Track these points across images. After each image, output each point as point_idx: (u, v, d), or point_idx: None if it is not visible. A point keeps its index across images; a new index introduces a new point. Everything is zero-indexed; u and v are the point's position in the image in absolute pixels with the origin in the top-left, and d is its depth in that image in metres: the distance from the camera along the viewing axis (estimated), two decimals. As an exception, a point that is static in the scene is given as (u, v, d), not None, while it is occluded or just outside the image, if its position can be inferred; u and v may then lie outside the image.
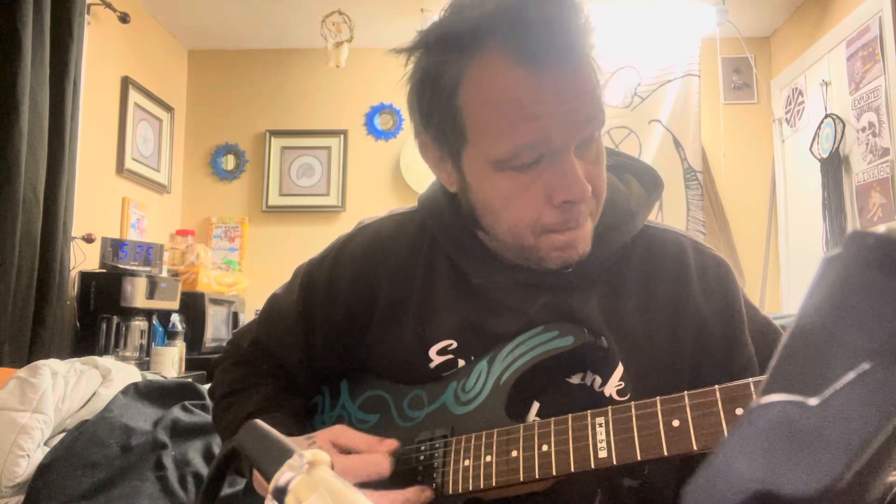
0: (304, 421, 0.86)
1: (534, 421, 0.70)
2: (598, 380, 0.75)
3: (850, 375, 0.23)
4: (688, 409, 0.61)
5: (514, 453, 0.68)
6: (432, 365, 0.79)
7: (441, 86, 0.70)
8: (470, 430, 0.73)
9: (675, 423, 0.61)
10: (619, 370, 0.74)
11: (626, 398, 0.73)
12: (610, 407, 0.66)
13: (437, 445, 0.74)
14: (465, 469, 0.71)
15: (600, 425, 0.65)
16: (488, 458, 0.69)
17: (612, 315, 0.76)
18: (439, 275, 0.81)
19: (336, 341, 0.86)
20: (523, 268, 0.77)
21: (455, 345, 0.79)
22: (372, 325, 0.83)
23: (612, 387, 0.74)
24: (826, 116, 3.07)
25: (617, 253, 0.78)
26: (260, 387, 0.87)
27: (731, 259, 3.50)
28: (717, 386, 0.61)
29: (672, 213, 3.28)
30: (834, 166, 3.00)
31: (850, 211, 2.92)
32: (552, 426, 0.67)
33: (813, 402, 0.23)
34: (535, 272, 0.77)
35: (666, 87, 3.35)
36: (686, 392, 0.62)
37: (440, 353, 0.79)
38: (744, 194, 3.62)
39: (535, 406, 0.75)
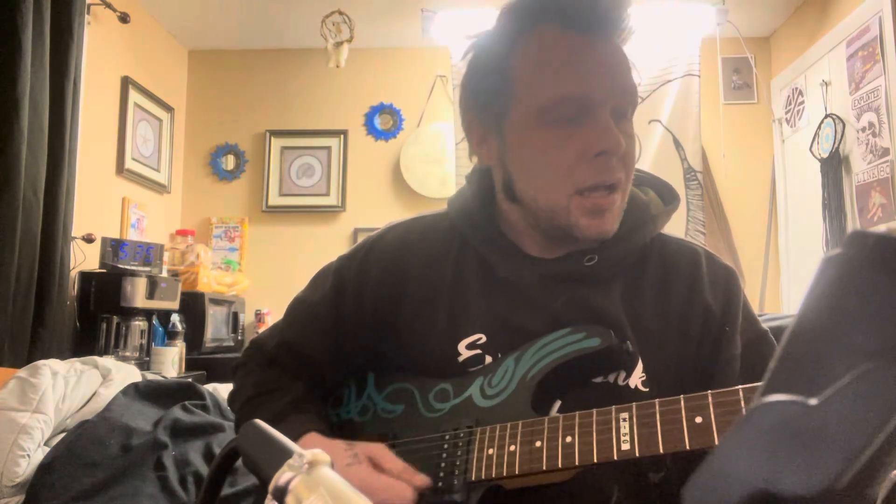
0: (329, 423, 0.89)
1: (558, 415, 0.73)
2: (623, 373, 0.78)
3: (851, 375, 0.23)
4: (711, 407, 0.64)
5: (538, 443, 0.70)
6: (461, 359, 0.82)
7: (495, 52, 0.80)
8: (494, 423, 0.75)
9: (699, 419, 0.64)
10: (640, 366, 0.78)
11: (648, 391, 0.76)
12: (634, 403, 0.68)
13: (462, 435, 0.76)
14: (489, 457, 0.73)
15: (624, 420, 0.67)
16: (512, 448, 0.71)
17: (631, 311, 0.80)
18: (469, 271, 0.85)
19: (365, 335, 0.89)
20: (547, 260, 0.82)
21: (484, 339, 0.82)
22: (400, 319, 0.86)
23: (637, 378, 0.77)
24: (826, 116, 3.06)
25: (636, 252, 0.83)
26: (290, 388, 0.88)
27: (732, 259, 3.50)
28: (740, 386, 0.64)
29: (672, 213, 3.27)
30: (834, 166, 2.99)
31: (850, 211, 2.92)
32: (577, 419, 0.70)
33: (813, 402, 0.23)
34: (559, 264, 0.81)
35: (666, 88, 3.35)
36: (710, 391, 0.65)
37: (469, 347, 0.82)
38: (744, 194, 3.62)
39: (558, 403, 0.78)
